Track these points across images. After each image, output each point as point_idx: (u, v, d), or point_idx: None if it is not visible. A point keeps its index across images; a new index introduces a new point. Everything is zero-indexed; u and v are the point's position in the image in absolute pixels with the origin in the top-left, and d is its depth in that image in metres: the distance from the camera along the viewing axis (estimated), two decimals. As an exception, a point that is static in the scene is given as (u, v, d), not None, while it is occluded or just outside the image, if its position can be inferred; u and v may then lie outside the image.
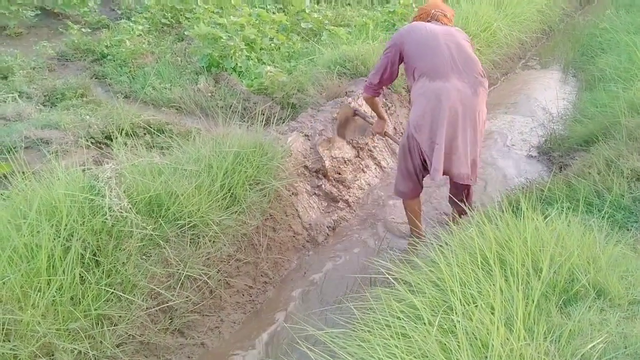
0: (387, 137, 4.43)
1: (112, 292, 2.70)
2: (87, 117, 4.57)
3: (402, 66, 3.63)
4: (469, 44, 3.52)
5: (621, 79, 5.46)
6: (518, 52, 7.83)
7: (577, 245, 2.55)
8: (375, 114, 4.20)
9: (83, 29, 7.31)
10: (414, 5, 7.46)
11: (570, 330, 2.09)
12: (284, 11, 7.54)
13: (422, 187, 3.67)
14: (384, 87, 3.81)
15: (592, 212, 3.27)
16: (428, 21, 3.65)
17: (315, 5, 7.84)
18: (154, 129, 4.41)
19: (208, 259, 3.13)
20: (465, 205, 3.45)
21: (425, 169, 3.47)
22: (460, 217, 3.55)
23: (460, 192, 3.59)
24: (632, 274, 2.52)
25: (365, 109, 4.65)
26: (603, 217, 3.11)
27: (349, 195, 4.47)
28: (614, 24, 7.66)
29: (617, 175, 3.49)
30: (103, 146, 4.15)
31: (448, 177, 3.44)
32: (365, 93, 3.80)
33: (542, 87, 6.95)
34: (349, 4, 8.31)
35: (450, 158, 3.28)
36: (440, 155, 3.22)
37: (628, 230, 3.12)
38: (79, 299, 2.62)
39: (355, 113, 4.54)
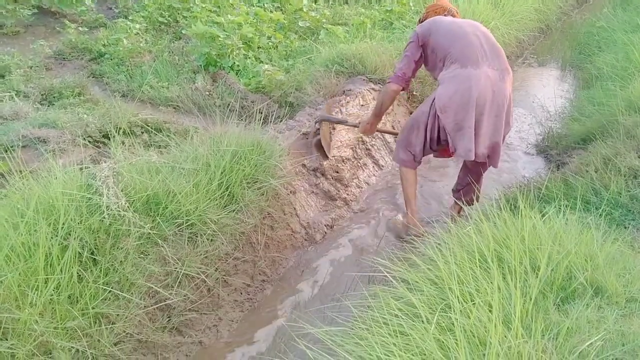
0: (381, 133, 4.44)
1: (110, 291, 2.69)
2: (85, 115, 4.55)
3: None
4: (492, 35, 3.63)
5: (618, 77, 5.47)
6: (516, 51, 7.84)
7: (574, 243, 2.56)
8: (367, 113, 4.27)
9: (80, 28, 7.29)
10: (411, 4, 7.47)
11: (567, 327, 2.10)
12: (281, 10, 7.53)
13: (419, 163, 3.81)
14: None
15: (590, 210, 3.28)
16: (445, 15, 3.79)
17: (313, 4, 7.83)
18: (152, 128, 4.40)
19: (206, 257, 3.12)
20: (471, 192, 3.73)
21: (430, 148, 3.64)
22: (469, 204, 3.79)
23: (471, 174, 3.82)
24: (629, 271, 2.52)
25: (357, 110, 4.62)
26: (600, 215, 3.11)
27: (347, 194, 4.47)
28: (611, 23, 7.68)
29: (615, 173, 3.50)
30: (100, 145, 4.14)
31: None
32: (396, 84, 3.70)
33: (540, 85, 6.96)
34: (346, 3, 8.31)
35: (478, 140, 3.40)
36: (471, 136, 3.34)
37: (625, 228, 3.13)
38: (77, 297, 2.62)
39: (325, 121, 4.26)
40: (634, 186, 3.38)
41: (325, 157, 4.29)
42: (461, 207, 3.87)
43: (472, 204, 3.78)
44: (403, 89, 3.76)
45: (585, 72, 6.66)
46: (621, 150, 3.69)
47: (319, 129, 4.27)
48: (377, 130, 4.19)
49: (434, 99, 3.46)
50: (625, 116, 4.23)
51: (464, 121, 3.33)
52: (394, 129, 5.31)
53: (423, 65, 3.76)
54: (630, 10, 8.23)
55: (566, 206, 3.07)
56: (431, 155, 3.90)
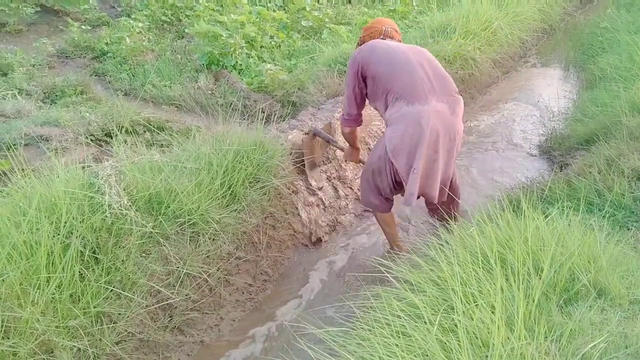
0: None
1: (112, 290, 2.70)
2: (87, 114, 4.56)
3: None
4: (437, 61, 3.32)
5: (622, 78, 5.45)
6: (519, 51, 7.83)
7: (577, 244, 2.55)
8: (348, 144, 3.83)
9: (83, 26, 7.30)
10: (414, 4, 7.46)
11: (571, 329, 2.09)
12: (284, 9, 7.53)
13: (392, 203, 3.52)
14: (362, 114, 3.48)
15: (593, 211, 3.27)
16: (382, 38, 3.42)
17: (316, 4, 7.83)
18: (154, 127, 4.41)
19: (208, 256, 3.12)
20: (447, 215, 3.31)
21: (395, 188, 3.35)
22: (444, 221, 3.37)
23: (438, 209, 3.44)
24: (632, 273, 2.52)
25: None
26: (604, 216, 3.11)
27: (349, 193, 4.46)
28: (615, 23, 7.66)
29: (618, 175, 3.48)
30: (103, 143, 4.15)
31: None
32: (347, 127, 3.50)
33: (543, 86, 6.94)
34: (349, 2, 8.30)
35: (427, 181, 3.15)
36: (416, 180, 3.07)
37: (629, 229, 3.12)
38: (79, 296, 2.62)
39: (315, 135, 4.08)
40: (637, 188, 3.36)
41: (303, 172, 4.10)
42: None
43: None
44: (357, 126, 3.51)
45: (589, 72, 6.63)
46: (624, 152, 3.68)
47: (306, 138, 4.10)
48: (361, 162, 3.97)
49: (385, 142, 3.15)
50: (629, 117, 4.21)
51: (415, 163, 3.04)
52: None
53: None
54: (634, 11, 8.21)
55: (569, 207, 3.05)
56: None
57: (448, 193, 3.30)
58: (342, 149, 4.05)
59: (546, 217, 2.84)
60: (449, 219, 3.25)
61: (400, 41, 3.50)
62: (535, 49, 8.39)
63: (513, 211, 2.94)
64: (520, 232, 2.66)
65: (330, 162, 4.41)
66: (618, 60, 6.07)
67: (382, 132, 5.08)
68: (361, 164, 4.31)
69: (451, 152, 3.16)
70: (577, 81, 7.00)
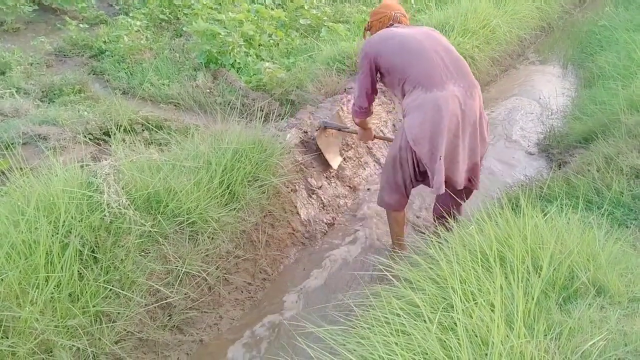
0: (378, 139, 4.39)
1: (111, 289, 2.69)
2: (85, 113, 4.55)
3: None
4: (450, 44, 3.31)
5: (620, 76, 5.45)
6: (517, 49, 7.82)
7: (576, 242, 2.55)
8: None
9: (81, 25, 7.27)
10: (412, 2, 7.45)
11: (570, 327, 2.09)
12: (282, 7, 7.51)
13: (408, 199, 3.51)
14: (372, 106, 3.52)
15: (592, 209, 3.28)
16: (390, 25, 3.40)
17: (314, 2, 7.81)
18: (152, 126, 4.40)
19: (207, 255, 3.12)
20: (452, 216, 3.28)
21: (416, 180, 3.33)
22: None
23: (452, 202, 3.39)
24: (631, 271, 2.52)
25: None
26: (602, 214, 3.11)
27: (348, 192, 4.46)
28: (613, 21, 7.66)
29: (617, 173, 3.49)
30: (101, 142, 4.14)
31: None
32: (358, 118, 3.57)
33: (541, 84, 6.94)
34: (347, 0, 8.29)
35: (452, 167, 3.13)
36: (442, 168, 3.06)
37: (627, 227, 3.12)
38: (78, 295, 2.62)
39: (326, 127, 4.26)
40: (636, 185, 3.37)
41: (330, 166, 4.29)
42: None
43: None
44: (368, 117, 3.58)
45: (587, 70, 6.63)
46: (623, 150, 3.68)
47: (326, 127, 4.25)
48: (377, 138, 4.06)
49: (405, 131, 3.14)
50: (627, 115, 4.21)
51: (438, 151, 3.03)
52: (395, 127, 5.30)
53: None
54: (632, 9, 8.19)
55: (568, 206, 3.05)
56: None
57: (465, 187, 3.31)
58: (355, 132, 4.15)
59: (545, 215, 2.85)
60: (454, 215, 3.28)
61: (407, 24, 3.45)
62: (534, 47, 8.38)
63: (512, 209, 2.95)
64: (519, 230, 2.66)
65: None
66: (616, 58, 6.07)
67: (382, 132, 5.12)
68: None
69: (474, 135, 3.14)
70: (576, 79, 7.00)
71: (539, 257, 2.46)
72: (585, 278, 2.37)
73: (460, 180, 3.18)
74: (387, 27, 3.39)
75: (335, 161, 4.32)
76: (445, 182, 3.14)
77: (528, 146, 5.33)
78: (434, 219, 3.67)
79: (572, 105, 5.82)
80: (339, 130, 4.28)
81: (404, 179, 3.31)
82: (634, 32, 6.60)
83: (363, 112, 3.48)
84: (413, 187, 3.40)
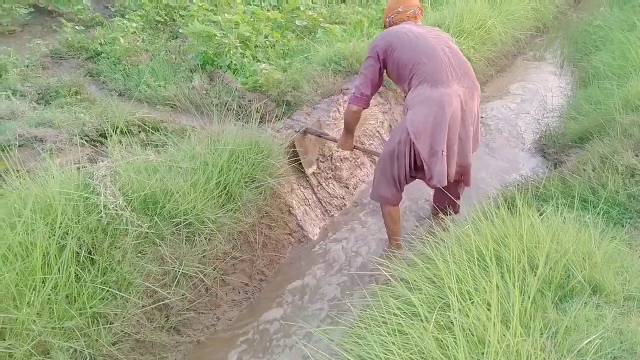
0: (360, 151, 4.29)
1: (108, 291, 2.69)
2: (82, 115, 4.54)
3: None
4: (458, 47, 3.43)
5: (615, 76, 5.47)
6: (513, 50, 7.84)
7: (572, 241, 2.57)
8: (343, 130, 3.88)
9: (77, 27, 7.26)
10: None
11: (566, 326, 2.10)
12: (279, 9, 7.51)
13: (402, 196, 3.57)
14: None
15: (588, 208, 3.29)
16: (404, 21, 3.53)
17: (310, 3, 7.81)
18: (149, 127, 4.39)
19: (204, 256, 3.12)
20: (449, 210, 3.53)
21: (411, 176, 3.40)
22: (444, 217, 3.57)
23: (449, 194, 3.53)
24: (627, 270, 2.54)
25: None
26: (598, 213, 3.12)
27: (345, 192, 4.47)
28: (608, 22, 7.68)
29: (612, 172, 3.51)
30: (98, 144, 4.13)
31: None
32: (356, 105, 3.54)
33: (537, 84, 6.97)
34: (344, 2, 8.28)
35: (450, 164, 3.25)
36: (444, 162, 3.18)
37: (623, 226, 3.14)
38: (75, 297, 2.62)
39: (306, 133, 4.16)
40: (631, 185, 3.38)
41: (304, 172, 4.16)
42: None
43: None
44: (364, 109, 3.57)
45: (583, 70, 6.65)
46: (618, 149, 3.70)
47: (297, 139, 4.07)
48: (357, 149, 4.05)
49: (407, 125, 3.24)
50: (623, 115, 4.23)
51: (439, 146, 3.16)
52: (392, 128, 5.30)
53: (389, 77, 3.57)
54: (627, 9, 8.22)
55: (564, 205, 3.07)
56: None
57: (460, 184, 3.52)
58: (335, 140, 4.09)
59: (541, 214, 2.86)
60: (451, 210, 3.50)
61: (420, 22, 3.61)
62: (529, 47, 8.41)
63: (508, 209, 2.96)
64: (516, 229, 2.68)
65: (325, 161, 4.41)
66: (611, 58, 6.09)
67: (379, 132, 5.13)
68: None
69: (469, 136, 3.28)
70: (571, 79, 7.02)
71: (535, 257, 2.48)
72: (582, 277, 2.38)
73: (452, 174, 3.30)
74: (404, 22, 3.54)
75: (310, 168, 4.22)
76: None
77: (524, 146, 5.34)
78: (432, 215, 3.93)
79: (568, 105, 5.83)
80: (320, 137, 4.18)
81: (399, 173, 3.38)
82: (628, 32, 6.62)
83: (364, 99, 3.51)
84: (407, 182, 3.47)
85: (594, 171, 3.59)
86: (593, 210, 3.19)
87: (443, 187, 3.33)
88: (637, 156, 3.58)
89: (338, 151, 4.50)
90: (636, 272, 2.53)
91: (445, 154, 3.18)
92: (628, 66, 5.49)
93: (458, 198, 3.66)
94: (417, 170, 3.38)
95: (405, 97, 3.39)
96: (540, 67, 7.65)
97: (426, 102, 3.16)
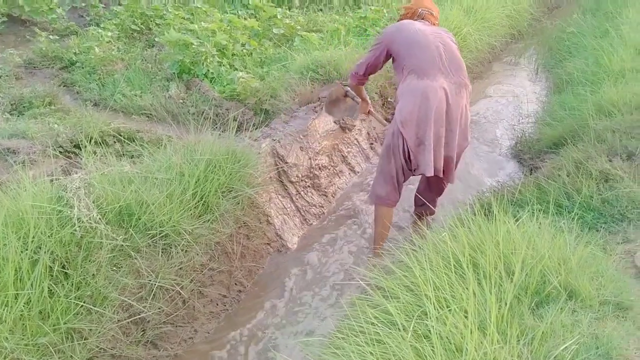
0: (372, 117, 4.75)
1: (82, 305, 2.65)
2: (56, 125, 4.47)
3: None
4: (456, 46, 3.58)
5: (589, 82, 5.56)
6: (488, 57, 7.92)
7: (548, 247, 2.59)
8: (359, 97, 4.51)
9: (51, 36, 7.16)
10: (385, 11, 7.50)
11: (542, 332, 2.12)
12: (255, 17, 7.50)
13: (399, 197, 3.64)
14: (368, 77, 3.99)
15: (563, 213, 3.33)
16: (415, 19, 3.73)
17: (287, 11, 7.82)
18: (124, 137, 4.34)
19: (181, 268, 3.08)
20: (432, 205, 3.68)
21: (408, 169, 3.50)
22: (426, 216, 3.87)
23: (431, 190, 3.81)
24: (602, 274, 2.56)
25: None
26: (573, 218, 3.16)
27: (323, 200, 4.46)
28: (581, 28, 7.81)
29: (586, 177, 3.55)
30: (72, 155, 4.07)
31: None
32: (351, 80, 4.05)
33: (512, 90, 7.05)
34: (320, 10, 8.31)
35: (436, 153, 3.37)
36: (430, 151, 3.31)
37: (597, 231, 3.18)
38: (48, 312, 2.57)
39: (346, 94, 4.80)
40: (605, 189, 3.43)
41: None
42: (429, 212, 3.93)
43: (432, 215, 3.91)
44: (359, 85, 4.10)
45: (557, 76, 6.75)
46: (592, 154, 3.75)
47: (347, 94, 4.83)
48: (370, 113, 4.59)
49: (396, 115, 3.43)
50: (596, 120, 4.30)
51: (425, 135, 3.30)
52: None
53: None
54: (599, 15, 8.37)
55: (539, 210, 3.10)
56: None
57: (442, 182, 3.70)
58: (357, 103, 4.70)
59: (517, 220, 2.88)
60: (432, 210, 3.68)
61: (434, 24, 3.81)
62: (504, 53, 8.51)
63: (484, 215, 2.98)
64: (492, 235, 2.69)
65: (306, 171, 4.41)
66: (585, 64, 6.19)
67: (357, 140, 5.15)
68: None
69: (454, 131, 3.40)
70: (546, 85, 7.12)
71: (511, 263, 2.49)
72: (557, 282, 2.40)
73: (440, 166, 3.43)
74: (414, 19, 3.75)
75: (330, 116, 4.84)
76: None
77: (500, 151, 5.39)
78: (415, 211, 4.14)
79: (543, 111, 5.91)
80: (353, 99, 4.78)
81: (396, 168, 3.50)
82: (601, 38, 6.74)
83: (357, 78, 3.96)
84: (405, 178, 3.57)
85: (568, 176, 3.64)
86: (568, 215, 3.22)
87: (429, 182, 3.64)
88: (610, 161, 3.63)
89: (316, 159, 4.50)
90: (610, 277, 2.56)
91: (431, 143, 3.30)
92: (601, 72, 5.59)
93: (440, 194, 3.88)
94: (414, 164, 3.49)
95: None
96: (515, 73, 7.74)
97: (412, 92, 3.35)
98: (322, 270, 3.75)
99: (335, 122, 4.83)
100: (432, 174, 3.37)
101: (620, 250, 2.96)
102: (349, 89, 4.73)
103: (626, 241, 3.05)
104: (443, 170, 3.49)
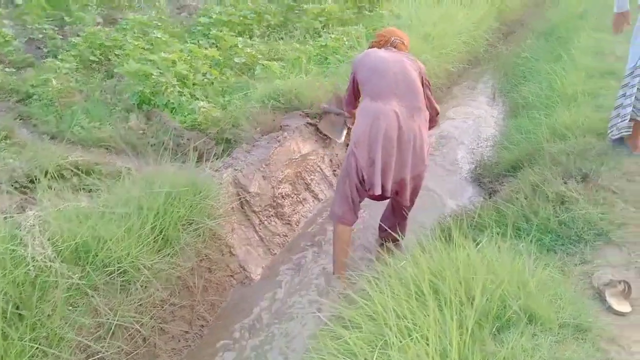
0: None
1: (37, 348, 2.55)
2: (11, 160, 4.36)
3: None
4: (417, 74, 3.65)
5: (543, 105, 5.72)
6: (446, 82, 8.07)
7: (507, 271, 2.61)
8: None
9: (7, 69, 7.04)
10: (344, 40, 7.60)
11: (504, 357, 2.13)
12: (216, 46, 7.52)
13: (356, 217, 3.72)
14: (355, 105, 4.07)
15: (521, 236, 3.37)
16: (387, 47, 3.85)
17: (249, 40, 7.87)
18: (82, 171, 4.25)
19: (140, 305, 3.01)
20: (396, 232, 3.65)
21: (363, 189, 3.58)
22: (389, 242, 3.87)
23: (395, 215, 3.94)
24: (560, 297, 2.60)
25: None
26: (531, 241, 3.20)
27: (287, 229, 4.44)
28: (535, 53, 8.05)
29: (543, 200, 3.62)
30: (27, 191, 3.97)
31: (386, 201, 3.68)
32: (346, 108, 4.32)
33: (470, 115, 7.18)
34: (281, 39, 8.38)
35: (385, 175, 3.46)
36: (378, 170, 3.42)
37: (555, 253, 3.23)
38: (1, 356, 2.46)
39: (325, 111, 5.06)
40: (561, 211, 3.49)
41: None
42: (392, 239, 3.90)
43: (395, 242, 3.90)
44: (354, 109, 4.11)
45: (513, 101, 6.91)
46: (548, 177, 3.83)
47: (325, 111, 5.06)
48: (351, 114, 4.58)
49: (351, 136, 3.59)
50: (551, 143, 4.40)
51: (375, 155, 3.42)
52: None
53: None
54: (552, 40, 8.63)
55: (498, 234, 3.13)
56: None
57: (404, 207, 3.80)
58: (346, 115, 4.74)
59: (477, 244, 2.91)
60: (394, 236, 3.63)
61: (404, 51, 3.91)
62: (462, 78, 8.69)
63: (445, 240, 3.00)
64: (452, 261, 2.71)
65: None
66: (539, 88, 6.36)
67: (320, 167, 5.16)
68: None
69: (407, 153, 3.48)
70: (503, 109, 7.28)
71: (471, 288, 2.50)
72: (517, 306, 2.42)
73: (388, 188, 3.51)
74: (382, 47, 3.89)
75: (339, 135, 5.08)
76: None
77: (460, 175, 5.47)
78: (379, 236, 4.23)
79: (500, 135, 6.03)
80: (334, 113, 4.96)
81: (350, 188, 3.57)
82: (554, 62, 6.94)
83: (347, 109, 4.32)
84: (360, 198, 3.66)
85: (526, 199, 3.70)
86: (526, 238, 3.26)
87: (392, 207, 3.82)
88: (565, 183, 3.71)
89: (279, 187, 4.49)
90: (569, 299, 2.60)
91: (379, 163, 3.41)
92: (554, 95, 5.76)
93: (404, 219, 3.94)
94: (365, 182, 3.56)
95: None
96: (473, 98, 7.90)
97: (365, 113, 3.52)
98: (286, 300, 3.71)
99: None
100: (380, 193, 3.47)
101: (577, 271, 3.01)
102: (325, 105, 5.03)
103: (583, 262, 3.11)
104: (397, 192, 3.61)
